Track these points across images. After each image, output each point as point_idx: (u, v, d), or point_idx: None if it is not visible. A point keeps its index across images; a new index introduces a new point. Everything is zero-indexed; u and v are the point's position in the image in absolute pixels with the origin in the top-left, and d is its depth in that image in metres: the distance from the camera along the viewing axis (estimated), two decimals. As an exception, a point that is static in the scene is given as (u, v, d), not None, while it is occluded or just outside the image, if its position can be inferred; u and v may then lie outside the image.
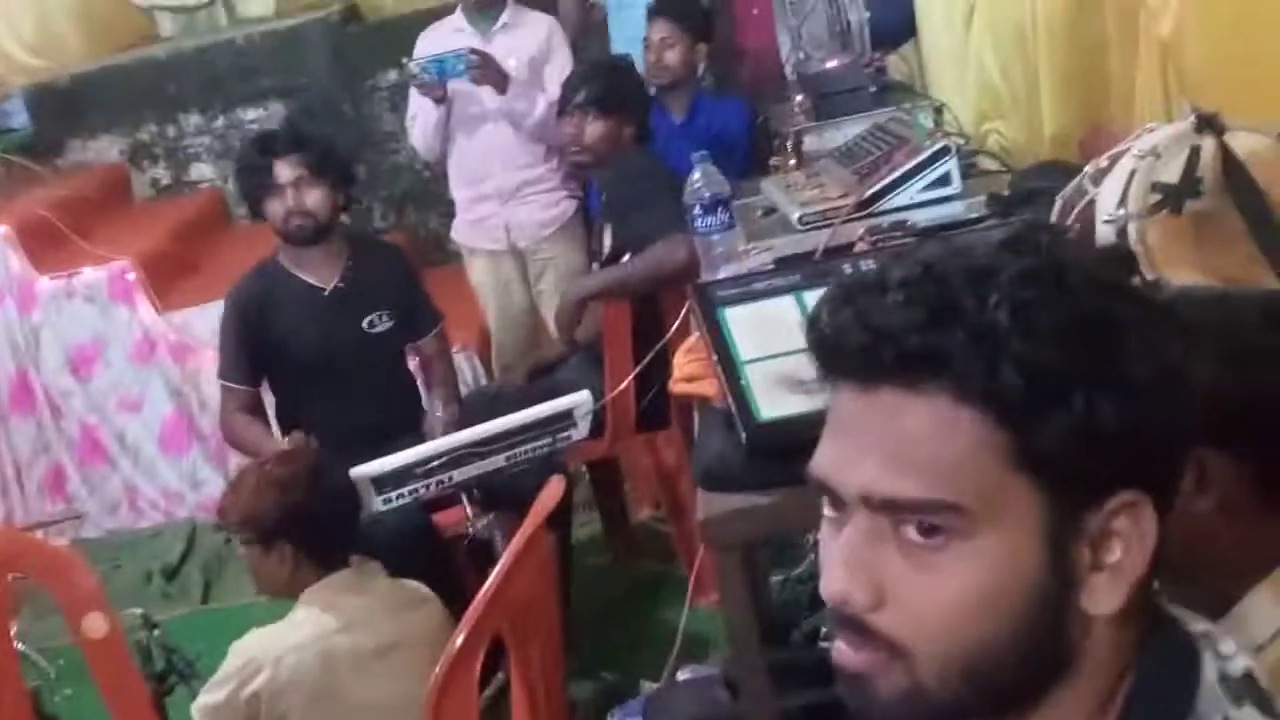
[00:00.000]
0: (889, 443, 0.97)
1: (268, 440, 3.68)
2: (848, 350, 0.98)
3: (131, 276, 5.40)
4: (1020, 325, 0.94)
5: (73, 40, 7.36)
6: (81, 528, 5.37)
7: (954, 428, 0.95)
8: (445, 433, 3.51)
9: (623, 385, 3.48)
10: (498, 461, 3.18)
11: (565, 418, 3.21)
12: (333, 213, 3.72)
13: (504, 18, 4.80)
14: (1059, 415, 0.94)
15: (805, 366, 1.04)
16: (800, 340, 1.04)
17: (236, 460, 5.10)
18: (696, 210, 2.80)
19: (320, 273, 3.78)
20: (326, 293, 3.77)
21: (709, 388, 2.11)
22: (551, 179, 4.83)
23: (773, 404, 1.96)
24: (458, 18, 4.83)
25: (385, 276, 3.87)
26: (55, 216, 5.79)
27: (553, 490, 2.42)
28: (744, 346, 2.06)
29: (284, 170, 3.67)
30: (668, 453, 3.94)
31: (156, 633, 3.37)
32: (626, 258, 3.82)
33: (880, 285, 0.98)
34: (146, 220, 6.25)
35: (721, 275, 2.80)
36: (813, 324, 1.01)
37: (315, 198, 3.69)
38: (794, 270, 2.29)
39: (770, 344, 2.04)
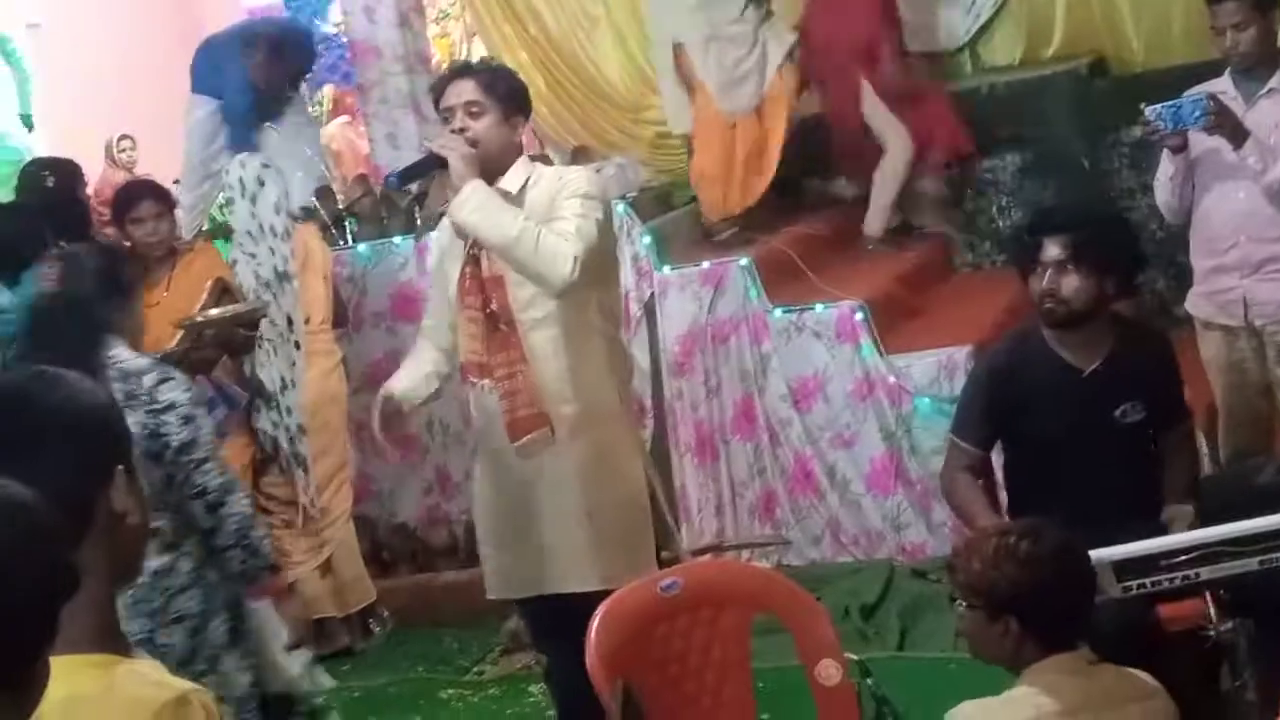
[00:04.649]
0: None
1: (986, 511, 3.61)
2: None
3: (860, 317, 5.53)
4: None
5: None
6: (785, 554, 5.56)
7: None
8: (1184, 527, 3.31)
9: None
10: (1250, 564, 2.94)
11: (1332, 527, 2.92)
12: (1092, 301, 3.56)
13: (1271, 82, 4.47)
14: None
15: None
16: None
17: (943, 507, 5.12)
18: None
19: (1081, 353, 3.64)
20: (1084, 375, 3.64)
21: None
22: None
23: None
24: (1224, 79, 4.55)
25: (1146, 367, 3.68)
26: (792, 251, 6.05)
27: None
28: None
29: (1049, 250, 3.57)
30: None
31: (870, 681, 3.40)
32: None
33: None
34: (873, 262, 6.38)
35: None
36: None
37: (1071, 284, 3.55)
38: None
39: None
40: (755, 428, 5.68)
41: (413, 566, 5.89)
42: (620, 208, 5.41)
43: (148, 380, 3.39)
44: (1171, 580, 2.98)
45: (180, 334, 4.88)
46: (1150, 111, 4.31)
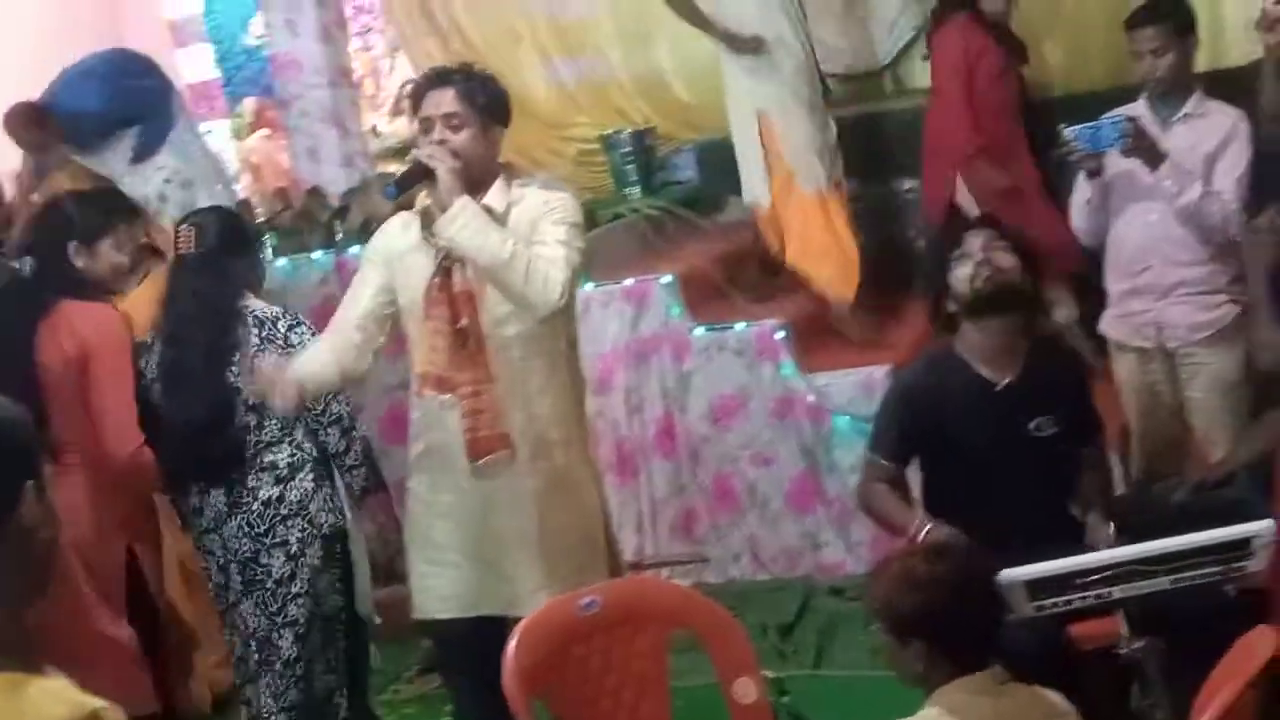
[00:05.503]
0: None
1: (904, 512, 3.67)
2: None
3: (780, 336, 5.56)
4: None
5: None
6: (704, 571, 5.56)
7: None
8: (1105, 546, 3.36)
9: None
10: (1162, 583, 2.97)
11: (1241, 546, 2.97)
12: (1024, 281, 3.63)
13: (1186, 107, 4.56)
14: None
15: None
16: None
17: (860, 525, 5.15)
18: None
19: (997, 367, 3.69)
20: (998, 389, 3.68)
21: None
22: (1214, 280, 4.54)
23: None
24: (1140, 104, 4.63)
25: (1060, 381, 3.74)
26: (713, 270, 6.07)
27: (1266, 642, 2.20)
28: None
29: (972, 241, 3.66)
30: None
31: (786, 699, 3.42)
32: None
33: None
34: (796, 280, 6.39)
35: None
36: None
37: (1005, 259, 3.62)
38: None
39: None
40: (676, 445, 5.69)
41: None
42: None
43: (281, 325, 3.81)
44: (1084, 599, 3.01)
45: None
46: (1069, 133, 4.39)
